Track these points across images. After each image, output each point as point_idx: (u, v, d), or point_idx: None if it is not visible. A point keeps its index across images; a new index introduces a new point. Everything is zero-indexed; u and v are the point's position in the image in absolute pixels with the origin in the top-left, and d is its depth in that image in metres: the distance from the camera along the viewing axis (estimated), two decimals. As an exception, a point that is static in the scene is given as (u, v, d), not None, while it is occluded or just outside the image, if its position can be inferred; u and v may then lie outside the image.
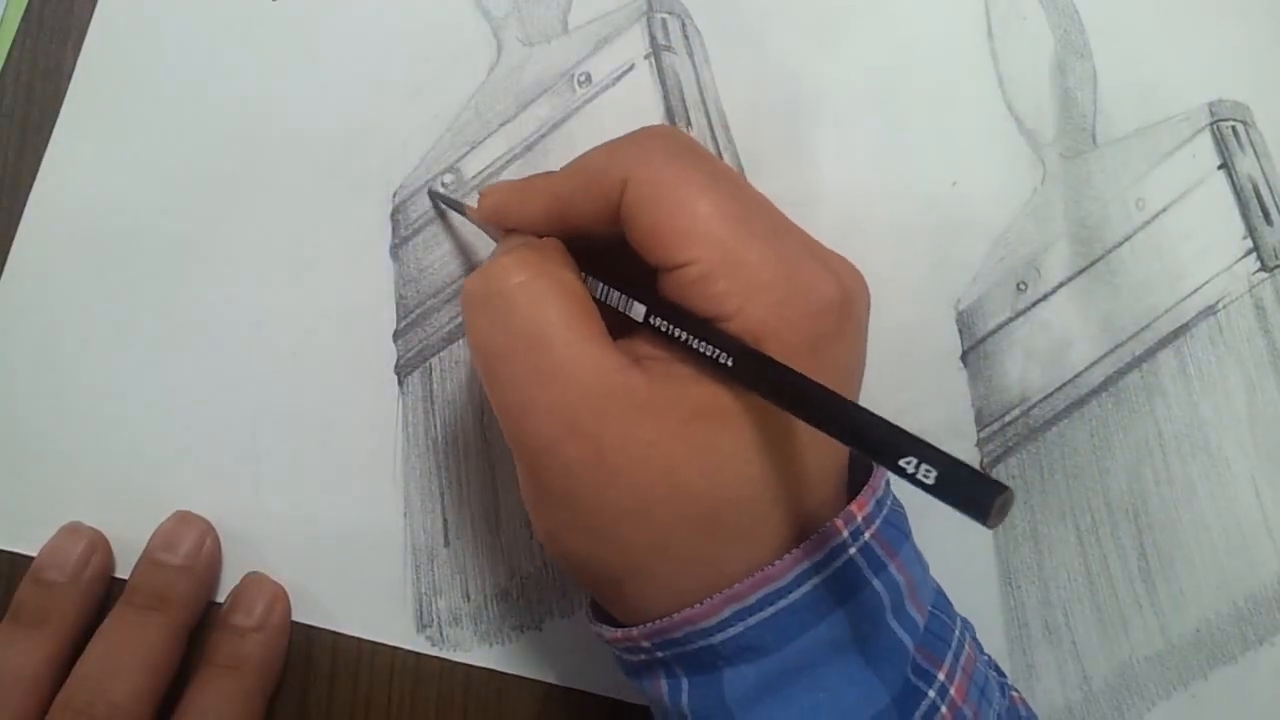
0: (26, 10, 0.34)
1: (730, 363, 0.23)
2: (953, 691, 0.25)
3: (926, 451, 0.19)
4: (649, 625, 0.24)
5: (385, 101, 0.34)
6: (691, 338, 0.23)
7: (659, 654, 0.25)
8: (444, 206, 0.33)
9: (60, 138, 0.33)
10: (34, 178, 0.33)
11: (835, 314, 0.24)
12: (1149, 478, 0.35)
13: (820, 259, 0.25)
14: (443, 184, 0.34)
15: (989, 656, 0.30)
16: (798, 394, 0.22)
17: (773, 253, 0.24)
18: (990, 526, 0.19)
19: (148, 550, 0.31)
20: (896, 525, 0.26)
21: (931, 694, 0.25)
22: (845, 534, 0.24)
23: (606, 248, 0.26)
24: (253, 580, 0.32)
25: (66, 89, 0.33)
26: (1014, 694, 0.31)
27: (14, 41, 0.34)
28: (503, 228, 0.28)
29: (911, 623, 0.25)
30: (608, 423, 0.23)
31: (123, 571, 0.32)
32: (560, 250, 0.26)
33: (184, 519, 0.32)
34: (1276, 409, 0.35)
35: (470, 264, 0.34)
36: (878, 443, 0.20)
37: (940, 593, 0.29)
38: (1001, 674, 0.31)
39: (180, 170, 0.33)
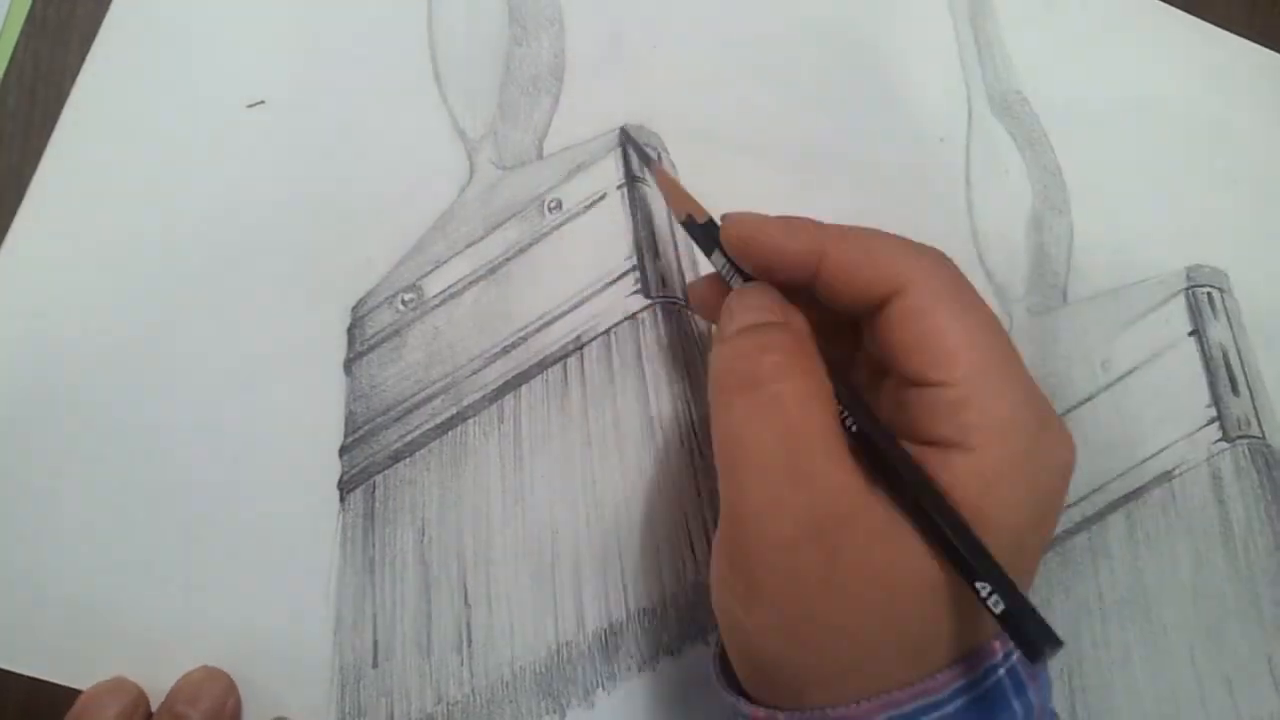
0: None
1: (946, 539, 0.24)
2: None
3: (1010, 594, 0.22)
4: (800, 714, 0.25)
5: (353, 214, 0.34)
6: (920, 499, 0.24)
7: None
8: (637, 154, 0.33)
9: (18, 228, 0.33)
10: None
11: (1064, 479, 0.25)
12: (1086, 639, 0.35)
13: (1059, 420, 0.25)
14: (403, 301, 0.34)
15: None
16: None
17: (1027, 403, 0.25)
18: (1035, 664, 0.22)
19: (169, 699, 0.31)
20: None
21: None
22: (999, 655, 0.25)
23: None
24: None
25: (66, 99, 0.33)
26: None
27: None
28: (744, 253, 0.28)
29: None
30: (850, 539, 0.24)
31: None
32: (813, 341, 0.26)
33: (211, 674, 0.32)
34: (1221, 583, 0.35)
35: (423, 383, 0.34)
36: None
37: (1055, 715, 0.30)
38: None
39: (136, 270, 0.33)
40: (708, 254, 0.29)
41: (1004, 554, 0.24)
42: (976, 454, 0.24)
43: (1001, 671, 0.25)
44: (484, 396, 0.33)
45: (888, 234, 0.26)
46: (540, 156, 0.34)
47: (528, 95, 0.35)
